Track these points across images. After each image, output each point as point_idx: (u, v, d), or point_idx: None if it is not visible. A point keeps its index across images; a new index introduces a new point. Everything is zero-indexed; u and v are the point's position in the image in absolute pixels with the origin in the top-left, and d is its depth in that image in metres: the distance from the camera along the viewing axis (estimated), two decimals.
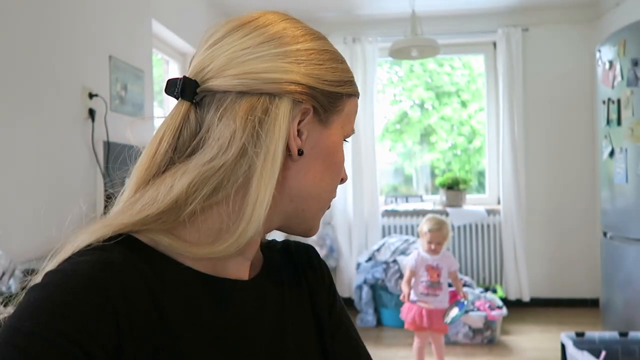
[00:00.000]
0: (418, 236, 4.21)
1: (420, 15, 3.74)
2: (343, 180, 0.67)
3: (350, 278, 4.38)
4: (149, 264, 0.50)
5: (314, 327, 0.70)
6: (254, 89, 0.55)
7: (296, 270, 0.71)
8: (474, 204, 4.56)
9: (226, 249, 0.53)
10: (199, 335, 0.51)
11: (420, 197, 4.72)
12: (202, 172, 0.53)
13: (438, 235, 2.96)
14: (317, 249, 3.95)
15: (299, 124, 0.58)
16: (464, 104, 5.59)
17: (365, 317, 4.00)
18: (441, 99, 5.85)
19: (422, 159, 5.63)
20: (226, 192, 0.54)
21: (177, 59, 3.66)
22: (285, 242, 0.77)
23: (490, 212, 4.40)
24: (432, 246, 2.95)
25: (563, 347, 2.51)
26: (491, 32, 4.39)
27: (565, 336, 2.52)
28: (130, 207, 0.53)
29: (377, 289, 3.99)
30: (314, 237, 4.39)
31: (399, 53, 3.70)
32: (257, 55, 0.56)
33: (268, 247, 0.72)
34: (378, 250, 4.09)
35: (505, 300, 4.09)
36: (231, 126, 0.54)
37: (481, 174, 4.99)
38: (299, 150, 0.58)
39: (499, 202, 4.50)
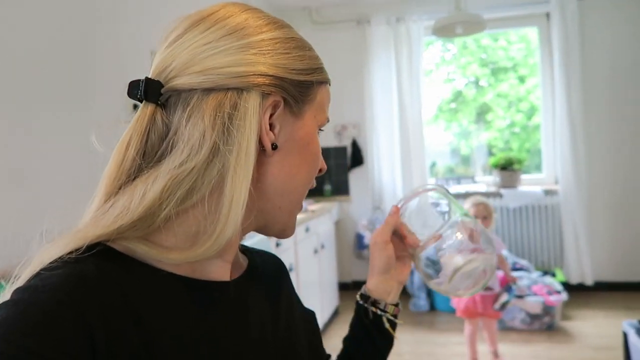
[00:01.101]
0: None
1: None
2: (322, 170, 0.65)
3: None
4: (125, 272, 0.49)
5: (303, 327, 0.72)
6: (219, 84, 0.53)
7: (274, 275, 0.73)
8: (530, 185, 4.36)
9: (205, 252, 0.51)
10: (180, 342, 0.49)
11: (473, 178, 4.57)
12: (174, 176, 0.51)
13: (482, 209, 2.86)
14: (367, 233, 3.94)
15: (270, 117, 0.56)
16: (521, 80, 5.36)
17: (418, 302, 3.95)
18: (497, 75, 5.63)
19: (478, 138, 5.46)
20: (201, 194, 0.52)
21: None
22: (255, 249, 0.76)
23: (547, 192, 4.20)
24: (479, 222, 2.84)
25: (625, 335, 2.37)
26: (544, 2, 4.14)
27: (627, 324, 2.37)
28: (102, 217, 0.51)
29: None
30: (364, 221, 4.37)
31: (443, 31, 3.56)
32: (220, 49, 0.54)
33: (247, 251, 0.72)
34: None
35: (566, 285, 3.91)
36: (200, 125, 0.52)
37: (538, 153, 4.76)
38: (272, 145, 0.56)
39: (556, 182, 4.28)
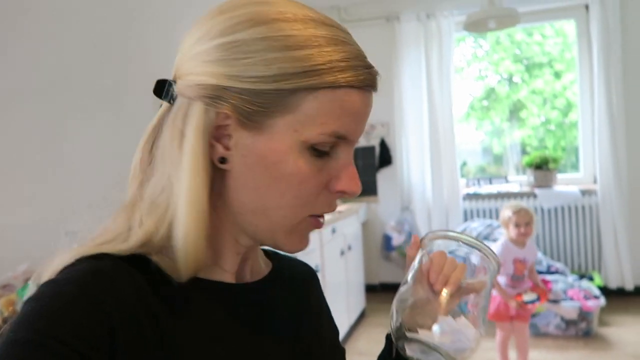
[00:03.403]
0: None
1: None
2: (344, 193, 0.54)
3: None
4: (138, 270, 0.50)
5: (329, 336, 0.72)
6: (181, 92, 0.53)
7: (301, 281, 0.72)
8: (566, 184, 4.19)
9: (185, 270, 0.52)
10: (191, 336, 0.50)
11: (505, 178, 4.43)
12: (154, 202, 0.53)
13: (525, 215, 2.71)
14: (395, 235, 3.87)
15: (221, 129, 0.52)
16: (557, 75, 5.19)
17: None
18: (531, 71, 5.48)
19: (511, 136, 5.32)
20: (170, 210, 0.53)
21: None
22: (287, 256, 0.74)
23: (585, 192, 4.03)
24: (522, 229, 2.69)
25: None
26: None
27: None
28: (116, 235, 0.53)
29: None
30: (392, 223, 4.29)
31: (475, 26, 3.46)
32: (192, 54, 0.53)
33: (276, 257, 0.71)
34: None
35: (604, 289, 3.74)
36: (166, 135, 0.53)
37: (574, 151, 4.58)
38: (220, 159, 0.53)
39: (595, 182, 4.10)
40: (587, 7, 4.09)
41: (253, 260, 0.64)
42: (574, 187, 4.07)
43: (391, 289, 4.46)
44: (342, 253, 3.36)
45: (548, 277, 3.46)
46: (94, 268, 0.48)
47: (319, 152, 0.51)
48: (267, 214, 0.53)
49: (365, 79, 0.52)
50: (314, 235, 2.80)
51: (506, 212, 2.77)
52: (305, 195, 0.52)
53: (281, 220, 0.54)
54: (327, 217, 2.71)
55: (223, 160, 0.52)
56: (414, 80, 4.31)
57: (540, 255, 3.79)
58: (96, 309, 0.44)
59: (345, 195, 0.55)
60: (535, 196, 4.05)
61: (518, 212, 2.71)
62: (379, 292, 4.47)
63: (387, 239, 4.32)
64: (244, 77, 0.49)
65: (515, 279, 2.73)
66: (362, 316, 3.82)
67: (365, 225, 4.36)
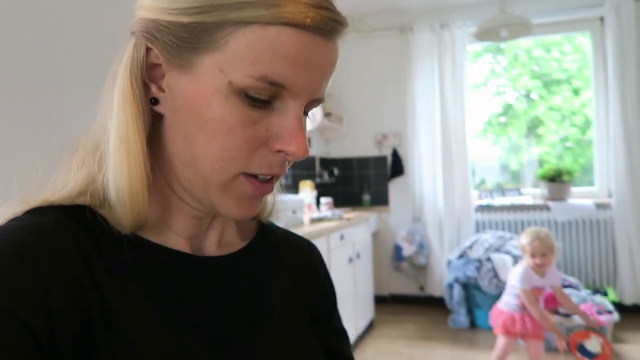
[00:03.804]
0: (515, 232, 3.92)
1: None
2: (285, 153, 0.49)
3: (440, 276, 4.17)
4: (84, 228, 0.48)
5: (299, 320, 0.63)
6: (130, 29, 0.51)
7: (291, 260, 0.67)
8: (581, 197, 4.12)
9: (126, 221, 0.49)
10: (129, 301, 0.48)
11: (518, 190, 4.37)
12: (95, 144, 0.52)
13: (539, 246, 2.59)
14: (406, 245, 3.83)
15: (155, 68, 0.49)
16: (575, 92, 5.14)
17: (458, 318, 3.78)
18: (550, 88, 5.44)
19: (529, 153, 5.25)
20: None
21: None
22: (286, 233, 0.71)
23: (599, 205, 3.95)
24: (537, 260, 2.59)
25: None
26: (597, 5, 3.94)
27: None
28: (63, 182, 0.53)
29: (469, 287, 3.76)
30: (403, 233, 4.25)
31: (487, 34, 3.45)
32: None
33: (270, 231, 0.68)
34: (470, 247, 3.84)
35: (619, 305, 3.63)
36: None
37: (592, 169, 4.50)
38: (152, 100, 0.50)
39: (609, 195, 4.02)
40: (602, 19, 4.05)
41: (223, 231, 0.60)
42: (589, 201, 3.99)
43: (401, 300, 4.44)
44: (351, 260, 3.34)
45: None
46: (34, 226, 0.45)
47: (255, 100, 0.46)
48: (196, 165, 0.49)
49: (312, 19, 0.45)
50: (321, 240, 2.80)
51: (523, 239, 2.69)
52: (235, 148, 0.47)
53: (210, 174, 0.48)
54: (334, 223, 2.63)
55: (155, 101, 0.50)
56: (427, 90, 4.31)
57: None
58: (32, 269, 0.41)
59: (287, 158, 0.49)
60: (548, 209, 3.98)
61: (533, 242, 2.60)
62: (389, 303, 4.42)
63: (397, 249, 4.28)
64: (170, 9, 0.46)
65: None
66: (370, 327, 3.77)
67: (376, 235, 4.33)
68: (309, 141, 4.22)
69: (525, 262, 2.67)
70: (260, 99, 0.46)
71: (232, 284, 0.57)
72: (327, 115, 4.13)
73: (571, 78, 5.19)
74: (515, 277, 2.66)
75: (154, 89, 0.49)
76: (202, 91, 0.46)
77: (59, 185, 0.51)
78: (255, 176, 0.50)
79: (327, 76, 0.49)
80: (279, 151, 0.49)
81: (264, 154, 0.49)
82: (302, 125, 0.49)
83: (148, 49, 0.48)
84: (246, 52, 0.44)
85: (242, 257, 0.60)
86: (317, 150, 4.44)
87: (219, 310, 0.54)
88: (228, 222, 0.62)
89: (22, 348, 0.38)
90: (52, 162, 0.53)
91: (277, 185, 0.66)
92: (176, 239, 0.55)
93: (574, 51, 5.23)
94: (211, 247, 0.58)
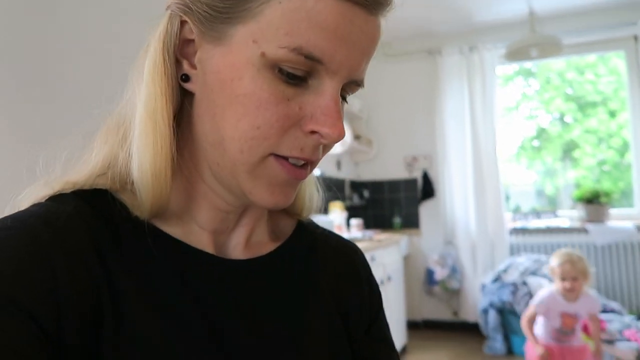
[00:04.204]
0: (550, 255, 3.79)
1: (541, 16, 3.45)
2: (319, 134, 0.45)
3: (474, 301, 4.05)
4: (100, 217, 0.46)
5: (334, 333, 0.56)
6: (166, 3, 0.49)
7: (326, 267, 0.60)
8: (620, 219, 3.97)
9: (145, 204, 0.47)
10: (142, 301, 0.45)
11: (554, 212, 4.24)
12: (119, 121, 0.51)
13: (570, 270, 2.43)
14: (438, 269, 3.75)
15: (189, 43, 0.47)
16: (612, 114, 5.02)
17: (493, 344, 3.64)
18: (584, 110, 5.33)
19: (565, 177, 5.13)
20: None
21: None
22: (327, 234, 0.64)
23: None
24: (567, 284, 2.43)
25: None
26: (630, 24, 3.86)
27: None
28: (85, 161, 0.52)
29: (505, 313, 3.63)
30: (435, 256, 4.17)
31: (516, 55, 3.44)
32: None
33: (304, 230, 0.62)
34: (505, 270, 3.73)
35: None
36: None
37: (632, 193, 4.34)
38: (183, 77, 0.47)
39: None
40: (636, 38, 3.98)
41: (253, 230, 0.56)
42: (629, 223, 3.84)
43: (434, 326, 4.31)
44: (382, 283, 3.28)
45: (602, 317, 3.22)
46: (51, 215, 0.43)
47: (289, 76, 0.43)
48: (224, 145, 0.45)
49: None
50: None
51: (553, 261, 2.54)
52: (265, 126, 0.43)
53: (238, 155, 0.45)
54: (365, 244, 2.57)
55: (186, 78, 0.47)
56: (457, 112, 4.27)
57: (592, 294, 3.56)
58: (42, 261, 0.40)
59: (321, 140, 0.45)
60: (586, 232, 3.84)
61: (564, 265, 2.44)
62: (422, 329, 4.31)
63: (429, 273, 4.19)
64: None
65: (563, 333, 2.49)
66: (402, 353, 3.67)
67: (407, 259, 4.25)
68: (339, 164, 4.22)
69: (555, 285, 2.54)
70: (295, 74, 0.43)
71: (258, 292, 0.52)
72: (356, 138, 4.14)
73: (607, 100, 5.09)
74: (537, 295, 2.54)
75: (185, 65, 0.47)
76: (234, 64, 0.43)
77: (82, 165, 0.50)
78: (286, 159, 0.46)
79: (368, 54, 0.46)
80: (312, 132, 0.45)
81: (295, 135, 0.45)
82: (339, 106, 0.45)
83: (182, 23, 0.46)
84: (281, 21, 0.42)
85: (272, 262, 0.55)
86: (346, 173, 4.43)
87: (240, 320, 0.49)
88: (260, 219, 0.57)
89: (29, 340, 0.37)
90: (78, 141, 0.52)
91: (316, 179, 0.63)
92: (199, 233, 0.51)
93: (608, 73, 5.13)
94: (238, 246, 0.54)
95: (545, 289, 2.59)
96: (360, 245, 2.97)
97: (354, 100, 4.28)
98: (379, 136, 4.57)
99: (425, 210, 4.44)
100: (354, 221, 3.71)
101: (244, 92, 0.43)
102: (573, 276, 2.42)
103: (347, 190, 4.41)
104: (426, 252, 4.36)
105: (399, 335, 3.60)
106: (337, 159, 4.20)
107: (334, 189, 3.86)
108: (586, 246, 3.85)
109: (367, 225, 4.28)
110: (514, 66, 5.16)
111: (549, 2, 3.72)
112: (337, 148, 3.91)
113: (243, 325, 0.49)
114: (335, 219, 3.36)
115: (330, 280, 0.59)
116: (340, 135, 0.44)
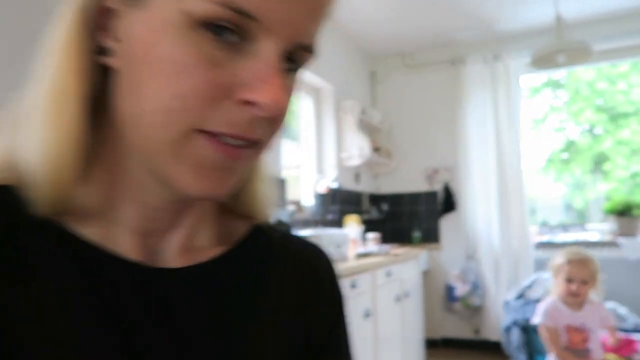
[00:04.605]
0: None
1: (569, 22, 3.31)
2: (254, 105, 0.37)
3: (497, 318, 3.87)
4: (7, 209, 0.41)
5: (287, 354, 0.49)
6: None
7: (282, 277, 0.52)
8: None
9: (49, 197, 0.40)
10: (42, 321, 0.38)
11: (583, 225, 4.05)
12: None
13: (582, 268, 2.12)
14: (459, 284, 3.61)
15: (109, 13, 0.39)
16: None
17: None
18: (616, 121, 5.16)
19: (595, 190, 4.94)
20: None
21: (310, 93, 3.75)
22: (286, 237, 0.56)
23: None
24: (574, 287, 2.11)
25: None
26: None
27: None
28: None
29: (529, 331, 3.45)
30: (456, 272, 4.02)
31: (543, 62, 3.28)
32: None
33: (259, 234, 0.53)
34: (529, 287, 3.56)
35: None
36: None
37: None
38: (100, 50, 0.40)
39: None
40: None
41: (192, 232, 0.48)
42: None
43: (454, 344, 4.15)
44: (398, 299, 3.16)
45: (635, 337, 3.03)
46: None
47: (218, 35, 0.36)
48: (144, 121, 0.38)
49: None
50: (365, 276, 2.66)
51: (559, 259, 2.21)
52: (191, 95, 0.36)
53: (159, 131, 0.38)
54: (380, 259, 2.43)
55: (106, 52, 0.40)
56: (480, 123, 4.14)
57: (624, 312, 3.35)
58: None
59: (255, 113, 0.37)
60: (618, 246, 3.65)
61: (572, 263, 2.12)
62: (441, 347, 4.15)
63: (450, 289, 4.04)
64: None
65: (575, 354, 2.12)
66: None
67: (427, 275, 4.11)
68: (357, 176, 4.13)
69: (554, 292, 2.23)
70: (225, 34, 0.36)
71: (191, 308, 0.44)
72: (376, 150, 4.05)
73: None
74: (538, 311, 2.23)
75: (105, 37, 0.40)
76: (154, 27, 0.37)
77: None
78: (217, 136, 0.38)
79: (314, 11, 0.38)
80: (246, 103, 0.37)
81: (226, 107, 0.37)
82: (278, 72, 0.38)
83: None
84: None
85: (214, 270, 0.47)
86: (365, 186, 4.33)
87: (166, 345, 0.42)
88: (202, 220, 0.49)
89: None
90: None
91: (270, 176, 0.55)
92: (123, 235, 0.43)
93: None
94: (173, 252, 0.46)
95: (543, 302, 2.29)
96: (376, 259, 2.91)
97: (374, 112, 4.20)
98: (399, 148, 4.47)
99: (446, 224, 4.30)
100: (371, 235, 3.60)
101: (164, 56, 0.36)
102: (583, 279, 2.11)
103: (366, 203, 4.31)
104: (447, 268, 4.21)
105: (416, 355, 3.47)
106: (356, 172, 4.12)
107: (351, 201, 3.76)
108: (617, 261, 3.66)
109: (386, 239, 4.16)
110: (542, 77, 5.01)
111: (577, 7, 3.58)
112: (356, 160, 3.83)
113: (168, 352, 0.41)
114: (350, 233, 3.26)
115: (289, 289, 0.51)
116: (279, 106, 0.37)
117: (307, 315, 0.51)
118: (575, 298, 2.13)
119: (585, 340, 2.10)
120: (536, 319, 2.21)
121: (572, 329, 2.12)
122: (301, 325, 0.51)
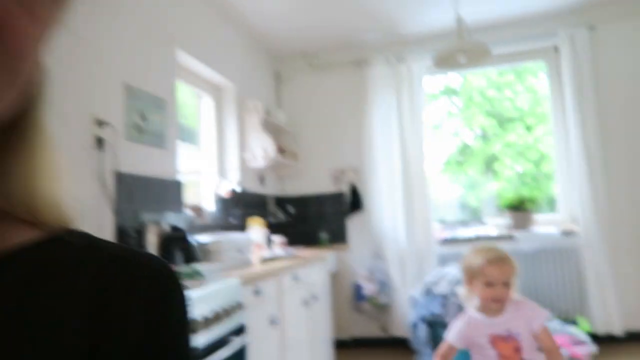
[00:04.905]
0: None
1: (470, 27, 3.45)
2: None
3: (404, 315, 3.92)
4: None
5: None
6: None
7: (69, 296, 0.39)
8: (545, 225, 3.98)
9: None
10: None
11: (481, 220, 4.23)
12: None
13: (504, 271, 1.75)
14: (367, 284, 3.58)
15: None
16: (529, 129, 5.26)
17: (424, 359, 3.51)
18: (504, 126, 5.54)
19: (487, 189, 5.24)
20: None
21: (211, 92, 3.58)
22: (94, 247, 0.42)
23: (565, 233, 3.81)
24: (496, 291, 1.75)
25: None
26: (551, 35, 3.92)
27: None
28: None
29: (436, 326, 3.51)
30: (363, 271, 4.02)
31: (445, 62, 3.37)
32: None
33: (52, 244, 0.41)
34: (436, 282, 3.63)
35: (591, 336, 3.44)
36: None
37: (550, 202, 4.43)
38: None
39: (573, 221, 3.90)
40: (556, 48, 4.02)
41: None
42: (553, 228, 3.87)
43: (363, 344, 4.13)
44: (306, 303, 3.06)
45: None
46: None
47: None
48: None
49: None
50: (270, 281, 2.51)
51: (473, 259, 1.83)
52: None
53: None
54: (287, 262, 2.30)
55: None
56: (385, 124, 4.19)
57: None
58: None
59: None
60: (513, 239, 3.83)
61: (494, 263, 1.76)
62: (351, 347, 4.12)
63: (357, 289, 4.03)
64: None
65: None
66: None
67: (335, 276, 4.08)
68: (263, 179, 4.01)
69: (469, 300, 1.89)
70: None
71: None
72: (281, 151, 3.96)
73: (524, 115, 5.31)
74: (451, 329, 1.88)
75: None
76: None
77: None
78: None
79: None
80: None
81: None
82: None
83: None
84: None
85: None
86: (271, 189, 4.22)
87: None
88: None
89: None
90: None
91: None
92: None
93: (525, 90, 5.37)
94: None
95: (457, 322, 1.89)
96: (282, 264, 2.78)
97: (279, 113, 4.11)
98: (305, 149, 4.42)
99: (353, 224, 4.30)
100: (276, 238, 3.48)
101: None
102: (505, 280, 1.75)
103: (271, 206, 4.19)
104: (355, 268, 4.21)
105: (325, 357, 3.40)
106: (260, 174, 3.99)
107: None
108: (515, 253, 3.81)
109: (293, 242, 4.07)
110: (439, 85, 5.22)
111: (476, 12, 3.72)
112: (260, 162, 3.71)
113: None
114: (254, 237, 3.12)
115: (80, 309, 0.38)
116: None
117: (95, 334, 0.38)
118: (497, 303, 1.76)
119: (517, 349, 1.72)
120: (448, 335, 1.88)
121: (497, 340, 1.75)
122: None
